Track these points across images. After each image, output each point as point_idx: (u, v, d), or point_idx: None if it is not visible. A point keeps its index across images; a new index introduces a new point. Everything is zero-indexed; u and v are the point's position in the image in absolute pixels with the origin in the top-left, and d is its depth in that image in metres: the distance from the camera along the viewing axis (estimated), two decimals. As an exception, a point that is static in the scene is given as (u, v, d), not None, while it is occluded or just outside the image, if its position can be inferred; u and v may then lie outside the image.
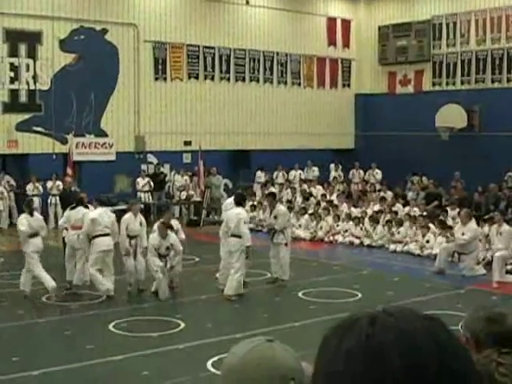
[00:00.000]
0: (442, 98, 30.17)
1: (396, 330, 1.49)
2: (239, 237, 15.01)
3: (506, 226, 17.89)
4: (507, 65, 29.35)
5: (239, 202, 15.99)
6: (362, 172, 30.89)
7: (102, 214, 15.29)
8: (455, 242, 18.04)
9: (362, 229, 22.56)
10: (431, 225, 20.88)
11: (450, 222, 20.93)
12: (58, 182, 25.10)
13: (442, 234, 19.73)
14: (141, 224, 15.79)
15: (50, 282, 14.58)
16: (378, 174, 30.35)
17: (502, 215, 20.21)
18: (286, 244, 16.51)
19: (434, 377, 1.45)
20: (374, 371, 1.45)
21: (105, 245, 14.98)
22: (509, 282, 16.55)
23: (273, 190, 25.22)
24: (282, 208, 17.54)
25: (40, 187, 25.41)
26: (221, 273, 15.68)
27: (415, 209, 23.41)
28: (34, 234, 14.88)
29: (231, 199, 17.00)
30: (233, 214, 15.45)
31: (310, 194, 27.49)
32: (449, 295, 15.40)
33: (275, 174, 29.95)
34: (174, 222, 16.44)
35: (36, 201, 23.02)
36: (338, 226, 23.26)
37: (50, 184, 25.50)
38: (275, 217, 16.78)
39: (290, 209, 25.04)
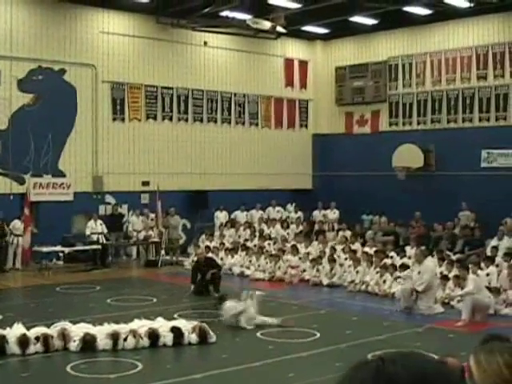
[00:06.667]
0: (399, 138, 30.58)
1: (406, 366, 1.65)
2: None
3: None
4: (462, 105, 29.81)
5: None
6: (323, 211, 30.98)
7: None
8: (412, 281, 18.10)
9: (318, 270, 22.56)
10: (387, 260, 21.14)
11: (408, 260, 21.05)
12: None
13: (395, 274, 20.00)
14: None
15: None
16: (336, 213, 30.52)
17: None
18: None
19: None
20: None
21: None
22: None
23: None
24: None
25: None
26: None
27: (373, 248, 23.49)
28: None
29: None
30: None
31: (269, 236, 27.47)
32: (407, 334, 15.38)
33: (234, 213, 29.98)
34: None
35: None
36: (297, 266, 23.25)
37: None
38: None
39: (247, 248, 25.14)
